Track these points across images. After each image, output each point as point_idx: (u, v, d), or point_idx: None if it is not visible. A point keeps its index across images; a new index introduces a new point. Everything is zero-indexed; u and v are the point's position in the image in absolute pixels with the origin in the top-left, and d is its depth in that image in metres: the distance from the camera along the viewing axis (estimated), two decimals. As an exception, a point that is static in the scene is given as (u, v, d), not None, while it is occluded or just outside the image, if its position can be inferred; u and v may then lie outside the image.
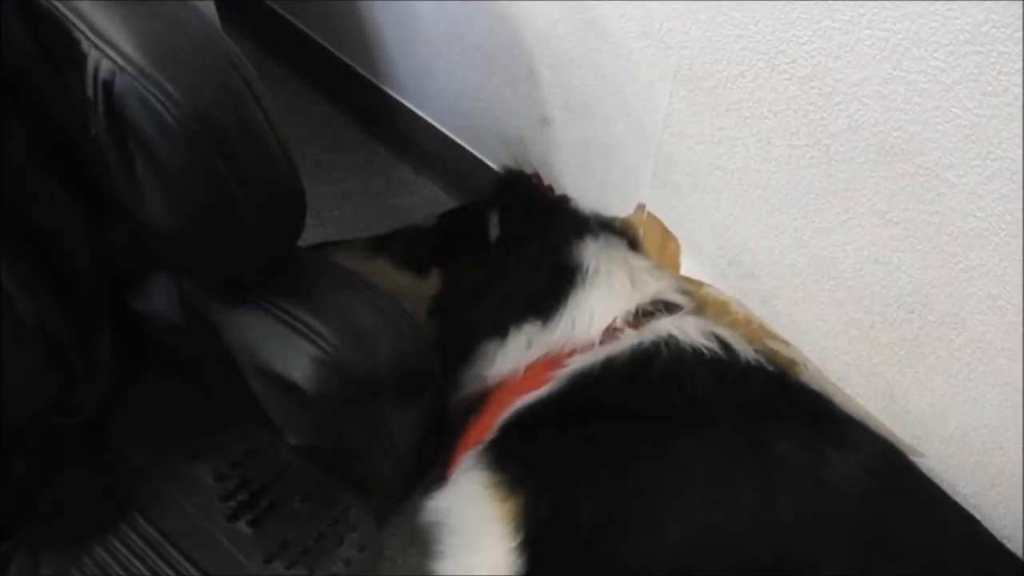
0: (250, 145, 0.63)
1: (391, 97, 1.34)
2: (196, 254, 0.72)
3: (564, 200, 1.08)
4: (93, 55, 0.58)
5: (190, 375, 0.87)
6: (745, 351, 0.85)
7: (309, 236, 0.76)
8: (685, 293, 0.95)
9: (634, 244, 1.01)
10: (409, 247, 1.04)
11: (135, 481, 0.81)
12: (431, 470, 0.89)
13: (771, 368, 0.85)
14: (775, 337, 0.92)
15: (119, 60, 0.58)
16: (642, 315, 0.89)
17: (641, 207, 1.00)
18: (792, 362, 0.91)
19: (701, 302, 0.97)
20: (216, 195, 0.63)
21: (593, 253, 0.94)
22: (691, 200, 0.92)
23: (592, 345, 0.87)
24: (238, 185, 0.63)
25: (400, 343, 0.75)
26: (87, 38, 0.59)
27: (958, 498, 0.79)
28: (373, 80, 1.36)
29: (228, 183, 0.62)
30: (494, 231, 1.01)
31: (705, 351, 0.83)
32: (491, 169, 1.21)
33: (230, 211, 0.64)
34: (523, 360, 0.90)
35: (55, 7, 0.60)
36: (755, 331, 0.93)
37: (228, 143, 0.61)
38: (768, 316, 0.92)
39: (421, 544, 0.90)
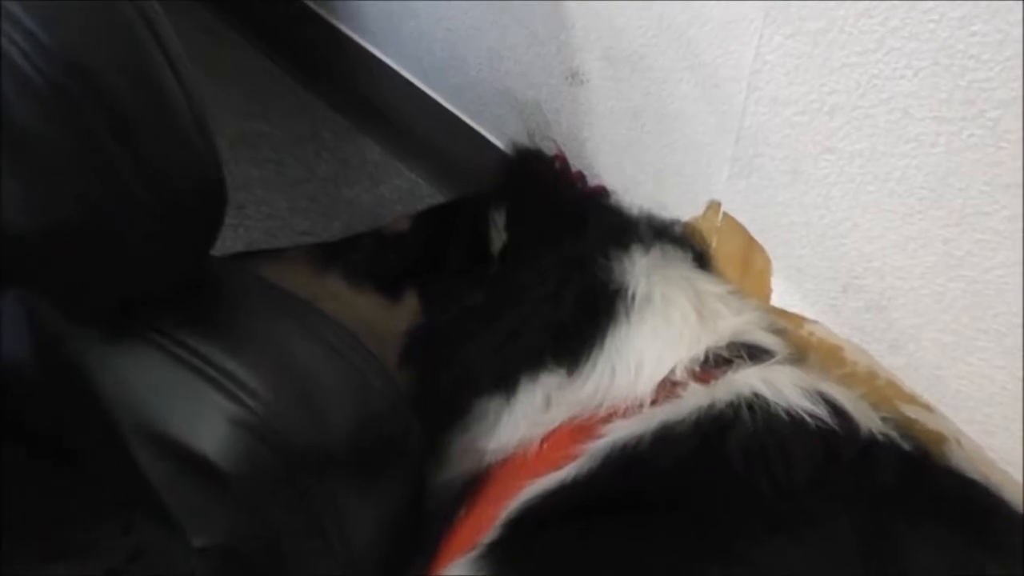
0: (150, 110, 0.63)
1: (350, 40, 1.35)
2: (63, 266, 0.71)
3: (601, 194, 1.08)
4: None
5: (45, 442, 0.87)
6: (867, 419, 0.84)
7: (227, 241, 0.76)
8: (778, 332, 0.96)
9: (703, 259, 1.02)
10: (374, 259, 1.05)
11: (-38, 598, 0.80)
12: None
13: (906, 446, 0.84)
14: (912, 400, 0.92)
15: (-44, -15, 0.59)
16: (714, 363, 0.90)
17: (715, 205, 1.01)
18: (938, 436, 0.91)
19: (802, 346, 0.97)
20: (98, 181, 0.63)
21: (643, 271, 0.95)
22: (788, 196, 0.92)
23: (640, 406, 0.88)
24: (131, 166, 0.63)
25: (361, 399, 0.76)
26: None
27: None
28: (325, 16, 1.37)
29: (116, 163, 0.62)
30: (498, 238, 1.03)
31: (808, 418, 0.83)
32: (495, 148, 1.21)
33: (118, 204, 0.64)
34: (539, 426, 0.91)
35: None
36: (882, 390, 0.93)
37: (118, 106, 0.61)
38: (902, 369, 0.92)
39: None
